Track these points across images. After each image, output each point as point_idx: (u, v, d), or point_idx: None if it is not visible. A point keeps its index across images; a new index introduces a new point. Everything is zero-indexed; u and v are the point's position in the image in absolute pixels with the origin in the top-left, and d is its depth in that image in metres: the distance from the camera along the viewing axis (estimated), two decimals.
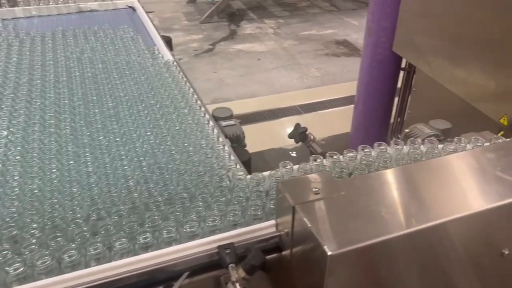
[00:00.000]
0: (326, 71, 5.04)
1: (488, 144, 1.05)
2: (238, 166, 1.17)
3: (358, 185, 0.92)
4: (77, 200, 1.07)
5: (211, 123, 1.37)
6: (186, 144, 1.22)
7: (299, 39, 6.02)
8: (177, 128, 1.31)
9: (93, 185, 1.13)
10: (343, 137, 3.69)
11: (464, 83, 2.20)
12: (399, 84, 3.15)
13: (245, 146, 1.84)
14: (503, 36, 1.91)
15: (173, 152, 1.20)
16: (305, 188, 0.82)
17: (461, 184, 0.91)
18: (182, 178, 1.07)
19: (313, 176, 0.89)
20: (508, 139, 0.98)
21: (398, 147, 1.12)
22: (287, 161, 1.23)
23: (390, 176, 0.95)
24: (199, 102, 1.51)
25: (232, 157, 1.20)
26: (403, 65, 3.04)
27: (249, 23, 6.67)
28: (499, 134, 1.40)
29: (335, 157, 1.18)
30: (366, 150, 1.13)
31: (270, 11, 7.27)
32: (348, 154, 1.20)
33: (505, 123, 1.97)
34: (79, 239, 0.95)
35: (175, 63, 1.76)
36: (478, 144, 1.07)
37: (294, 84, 4.77)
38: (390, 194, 0.90)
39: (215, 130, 1.32)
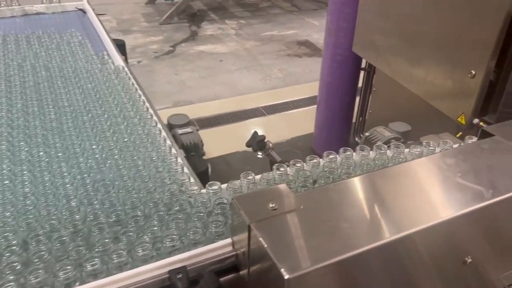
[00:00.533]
0: (289, 72, 5.02)
1: (454, 145, 1.02)
2: (192, 180, 1.09)
3: (318, 198, 0.86)
4: (10, 226, 0.96)
5: (163, 133, 1.28)
6: (135, 158, 1.13)
7: (261, 40, 5.97)
8: (126, 140, 1.21)
9: (31, 208, 1.02)
10: (307, 137, 3.67)
11: (422, 82, 2.21)
12: (360, 84, 3.16)
13: (203, 154, 1.76)
14: (458, 35, 1.92)
15: (120, 167, 1.11)
16: (262, 204, 0.75)
17: (423, 193, 0.86)
18: (130, 196, 0.98)
19: (270, 190, 0.83)
20: (469, 142, 0.95)
21: (363, 153, 1.08)
22: (249, 171, 1.16)
23: (351, 186, 0.90)
24: (151, 110, 1.42)
25: (186, 170, 1.12)
26: (363, 65, 3.05)
27: (210, 24, 6.57)
28: (457, 135, 1.39)
29: (298, 165, 1.13)
30: (331, 156, 1.08)
31: (231, 12, 7.19)
32: (312, 161, 1.15)
33: (463, 121, 1.98)
34: (18, 267, 0.86)
35: (125, 69, 1.65)
36: (447, 147, 1.04)
37: (257, 85, 4.72)
38: (351, 206, 0.85)
39: (168, 141, 1.23)
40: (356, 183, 0.91)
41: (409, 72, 2.30)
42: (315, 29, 6.34)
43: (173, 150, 1.17)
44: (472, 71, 1.87)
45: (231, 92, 4.53)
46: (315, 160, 1.09)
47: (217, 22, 6.65)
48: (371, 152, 1.21)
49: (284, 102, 4.32)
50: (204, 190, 0.96)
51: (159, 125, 1.30)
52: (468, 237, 0.90)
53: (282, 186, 0.82)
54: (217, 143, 3.65)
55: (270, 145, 1.85)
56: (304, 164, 1.16)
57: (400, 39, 2.31)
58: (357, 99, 3.20)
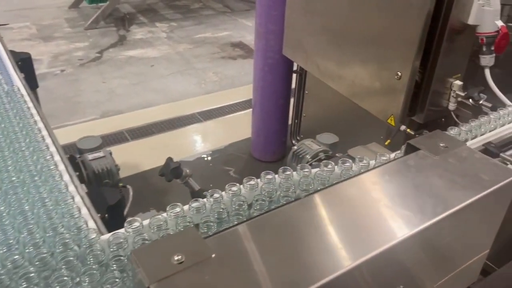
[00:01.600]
0: (224, 75, 4.92)
1: (383, 157, 0.97)
2: (91, 224, 0.90)
3: (233, 240, 0.74)
4: None
5: (60, 166, 1.08)
6: (23, 201, 0.95)
7: (194, 43, 5.82)
8: (14, 178, 1.03)
9: None
10: (246, 142, 3.60)
11: (351, 84, 2.20)
12: (293, 86, 3.14)
13: (119, 181, 1.60)
14: (383, 36, 1.92)
15: (4, 215, 0.92)
16: (165, 257, 0.65)
17: (345, 228, 0.77)
18: (11, 253, 0.80)
19: (176, 237, 0.72)
20: (394, 159, 0.90)
21: (287, 173, 0.99)
22: (177, 203, 1.02)
23: (270, 220, 0.79)
24: (48, 139, 1.19)
25: (85, 211, 0.94)
26: (295, 67, 3.02)
27: (140, 27, 6.31)
28: (386, 143, 1.37)
29: (234, 188, 1.02)
30: (268, 177, 0.98)
31: (162, 14, 6.96)
32: (248, 183, 1.04)
33: (393, 123, 2.00)
34: None
35: (22, 90, 1.41)
36: (383, 159, 0.98)
37: (192, 90, 4.57)
38: (270, 247, 0.73)
39: (65, 177, 1.04)
40: (276, 216, 0.80)
41: (338, 74, 2.29)
42: (249, 30, 6.29)
43: (71, 187, 1.00)
44: (398, 72, 1.88)
45: (164, 98, 4.36)
46: (252, 182, 0.99)
47: (147, 25, 6.41)
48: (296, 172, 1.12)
49: (221, 106, 4.22)
50: (106, 236, 0.81)
51: (57, 157, 1.11)
52: (400, 267, 0.84)
53: (190, 231, 0.72)
54: (150, 154, 3.47)
55: (187, 171, 1.67)
56: (241, 186, 1.05)
57: (328, 41, 2.29)
58: (292, 101, 3.18)
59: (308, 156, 1.11)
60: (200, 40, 5.91)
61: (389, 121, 2.01)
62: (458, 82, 2.00)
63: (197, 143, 3.67)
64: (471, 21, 1.83)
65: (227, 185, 0.94)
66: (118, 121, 3.87)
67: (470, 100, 1.79)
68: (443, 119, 2.17)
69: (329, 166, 0.90)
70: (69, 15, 6.71)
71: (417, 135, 1.68)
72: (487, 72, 1.90)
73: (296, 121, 3.16)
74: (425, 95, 1.99)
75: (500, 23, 1.78)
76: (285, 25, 2.63)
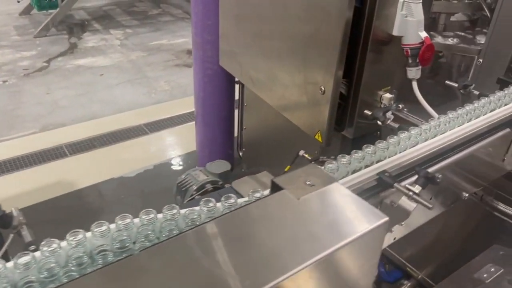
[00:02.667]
0: (177, 83, 4.77)
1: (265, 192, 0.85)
2: None
3: None
4: None
5: None
6: None
7: (148, 50, 5.65)
8: None
9: None
10: (193, 155, 3.46)
11: (282, 97, 2.10)
12: (237, 97, 3.02)
13: None
14: (305, 50, 1.82)
15: None
16: None
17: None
18: None
19: None
20: (257, 199, 0.78)
21: (168, 212, 0.86)
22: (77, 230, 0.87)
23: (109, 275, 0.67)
24: None
25: None
26: (237, 78, 2.91)
27: (93, 35, 6.09)
28: (285, 169, 1.27)
29: (79, 236, 0.87)
30: (124, 222, 0.84)
31: (118, 21, 6.75)
32: (123, 222, 0.91)
33: (320, 139, 1.90)
34: None
35: None
36: (256, 196, 0.86)
37: (141, 100, 4.41)
38: None
39: None
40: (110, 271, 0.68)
41: (269, 86, 2.18)
42: None
43: None
44: (322, 87, 1.78)
45: (111, 109, 4.17)
46: (103, 228, 0.86)
47: (101, 33, 6.19)
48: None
49: (170, 117, 4.07)
50: None
51: None
52: None
53: None
54: (90, 170, 3.29)
55: (20, 219, 1.39)
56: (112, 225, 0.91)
57: (258, 52, 2.19)
58: (237, 113, 3.06)
59: (194, 188, 1.00)
60: (155, 47, 5.74)
61: (316, 137, 1.91)
62: (388, 95, 1.92)
63: (141, 157, 3.50)
64: (395, 32, 1.75)
65: (68, 233, 0.80)
66: (58, 135, 3.67)
67: (377, 121, 1.71)
68: (378, 133, 2.09)
69: (174, 211, 0.78)
70: (19, 23, 6.44)
71: (313, 162, 1.58)
72: (415, 84, 1.83)
73: (241, 133, 3.04)
74: (353, 109, 1.90)
75: (423, 34, 1.70)
76: (219, 36, 2.52)
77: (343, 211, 0.73)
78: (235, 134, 3.18)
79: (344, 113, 1.94)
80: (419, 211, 1.26)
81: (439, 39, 2.22)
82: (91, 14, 6.96)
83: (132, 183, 3.18)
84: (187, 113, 4.10)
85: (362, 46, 1.76)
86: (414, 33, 1.71)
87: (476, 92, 1.52)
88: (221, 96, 2.92)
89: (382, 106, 1.95)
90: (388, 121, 1.67)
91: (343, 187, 0.79)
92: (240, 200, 0.85)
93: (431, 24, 2.42)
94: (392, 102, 1.95)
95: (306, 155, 1.69)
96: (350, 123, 1.93)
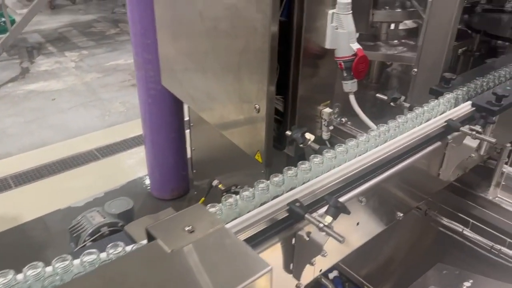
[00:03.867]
0: (132, 104, 4.61)
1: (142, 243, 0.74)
2: None
3: None
4: None
5: None
6: None
7: (104, 71, 5.49)
8: None
9: None
10: (145, 179, 3.32)
11: (221, 117, 2.00)
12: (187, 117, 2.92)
13: None
14: (238, 65, 1.74)
15: None
16: None
17: None
18: None
19: None
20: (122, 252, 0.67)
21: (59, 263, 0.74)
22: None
23: None
24: None
25: None
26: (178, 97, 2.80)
27: (47, 58, 5.89)
28: (200, 202, 1.17)
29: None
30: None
31: (73, 42, 6.57)
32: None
33: (259, 159, 1.81)
34: None
35: None
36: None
37: (94, 124, 4.24)
38: None
39: None
40: None
41: (209, 106, 2.09)
42: None
43: None
44: (256, 105, 1.70)
45: (61, 135, 3.99)
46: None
47: (55, 55, 6.00)
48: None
49: (123, 140, 3.92)
50: None
51: None
52: None
53: None
54: (36, 202, 3.11)
55: None
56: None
57: (196, 71, 2.09)
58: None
59: (87, 232, 0.88)
60: (111, 68, 5.58)
61: (256, 157, 1.82)
62: (328, 110, 1.85)
63: (92, 184, 3.33)
64: (327, 45, 1.68)
65: None
66: (2, 166, 3.46)
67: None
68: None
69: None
70: None
71: (224, 194, 1.47)
72: (352, 98, 1.76)
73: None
74: (291, 126, 1.82)
75: (356, 46, 1.64)
76: (159, 54, 2.41)
77: (220, 263, 0.63)
78: (189, 155, 3.06)
79: (283, 130, 1.85)
80: (361, 229, 1.17)
81: (380, 49, 2.18)
82: (46, 37, 6.76)
83: (79, 214, 3.00)
84: (141, 135, 3.95)
85: (294, 60, 1.68)
86: (346, 45, 1.65)
87: (407, 105, 1.46)
88: (168, 117, 2.81)
89: (322, 121, 1.88)
90: (309, 142, 1.58)
91: (228, 231, 0.69)
92: (128, 248, 0.74)
93: (374, 34, 2.38)
94: (332, 117, 1.88)
95: (220, 185, 1.59)
96: (291, 141, 1.85)
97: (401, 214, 1.26)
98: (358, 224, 1.11)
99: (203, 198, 1.46)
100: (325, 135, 1.91)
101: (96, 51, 6.22)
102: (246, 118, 1.80)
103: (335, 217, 0.87)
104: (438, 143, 1.26)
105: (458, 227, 1.50)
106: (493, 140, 1.21)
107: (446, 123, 1.26)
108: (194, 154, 2.69)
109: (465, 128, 1.24)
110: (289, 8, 1.59)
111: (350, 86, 1.72)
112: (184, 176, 3.13)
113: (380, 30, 2.35)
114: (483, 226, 1.49)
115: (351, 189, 1.03)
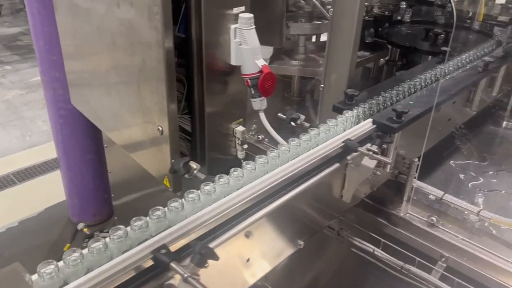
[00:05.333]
0: None
1: None
2: None
3: None
4: None
5: None
6: None
7: (28, 87, 5.14)
8: None
9: None
10: (62, 206, 3.07)
11: (128, 138, 1.86)
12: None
13: None
14: (138, 84, 1.61)
15: None
16: None
17: None
18: None
19: None
20: None
21: None
22: None
23: None
24: None
25: None
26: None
27: None
28: (64, 249, 1.05)
29: None
30: None
31: None
32: None
33: (168, 184, 1.68)
34: None
35: None
36: None
37: (13, 145, 3.92)
38: None
39: None
40: None
41: (116, 127, 1.94)
42: None
43: None
44: (159, 126, 1.58)
45: None
46: None
47: None
48: None
49: (44, 161, 3.64)
50: None
51: None
52: None
53: None
54: None
55: None
56: None
57: (101, 90, 1.94)
58: None
59: None
60: (35, 84, 5.23)
61: (164, 182, 1.69)
62: (240, 128, 1.77)
63: (5, 213, 3.04)
64: (233, 61, 1.60)
65: None
66: None
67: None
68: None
69: None
70: None
71: (88, 239, 1.36)
72: (262, 116, 1.68)
73: None
74: (202, 147, 1.71)
75: (261, 63, 1.56)
76: (66, 72, 2.23)
77: None
78: None
79: (193, 152, 1.74)
80: (252, 265, 1.08)
81: (294, 63, 2.14)
82: None
83: None
84: None
85: (197, 78, 1.58)
86: (251, 62, 1.57)
87: (307, 125, 1.40)
88: (82, 137, 2.61)
89: (236, 140, 1.79)
90: (195, 171, 1.49)
91: None
92: None
93: (292, 48, 2.34)
94: (246, 135, 1.79)
95: (85, 229, 1.47)
96: (202, 162, 1.74)
97: (302, 242, 1.18)
98: (248, 260, 1.01)
99: (68, 245, 1.32)
100: (240, 154, 1.82)
101: (21, 66, 5.83)
102: (151, 140, 1.67)
103: (200, 265, 0.76)
104: (337, 165, 1.20)
105: (369, 247, 1.45)
106: (389, 160, 1.16)
107: (344, 143, 1.20)
108: (111, 177, 2.51)
109: (363, 148, 1.18)
110: (186, 24, 1.49)
111: (258, 104, 1.64)
112: (107, 199, 2.93)
113: (298, 43, 2.31)
114: (394, 246, 1.44)
115: (237, 222, 0.93)
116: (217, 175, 1.04)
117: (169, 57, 1.41)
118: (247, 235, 0.98)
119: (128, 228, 0.81)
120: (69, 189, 2.83)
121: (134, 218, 0.81)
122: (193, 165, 1.43)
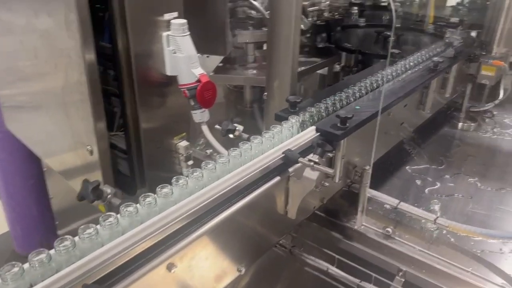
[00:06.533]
0: None
1: None
2: None
3: None
4: None
5: None
6: None
7: None
8: None
9: None
10: (5, 237, 2.83)
11: (62, 162, 1.70)
12: None
13: None
14: (65, 101, 1.46)
15: None
16: None
17: None
18: None
19: None
20: None
21: None
22: None
23: None
24: None
25: None
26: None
27: None
28: None
29: None
30: None
31: None
32: None
33: (102, 209, 1.53)
34: None
35: None
36: None
37: None
38: None
39: None
40: None
41: (50, 150, 1.78)
42: None
43: None
44: (88, 146, 1.43)
45: None
46: None
47: None
48: None
49: None
50: None
51: None
52: None
53: None
54: None
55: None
56: None
57: (32, 111, 1.78)
58: None
59: None
60: None
61: (100, 207, 1.54)
62: (183, 143, 1.64)
63: None
64: (168, 71, 1.47)
65: None
66: None
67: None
68: None
69: None
70: None
71: None
72: (205, 128, 1.56)
73: None
74: (140, 166, 1.57)
75: (198, 72, 1.45)
76: None
77: None
78: None
79: (132, 172, 1.60)
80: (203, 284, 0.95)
81: (238, 72, 2.04)
82: None
83: None
84: None
85: (129, 91, 1.45)
86: (187, 71, 1.45)
87: (245, 135, 1.29)
88: (21, 162, 2.40)
89: (180, 156, 1.66)
90: (109, 196, 1.35)
91: None
92: None
93: (241, 56, 2.25)
94: (190, 150, 1.66)
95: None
96: (141, 183, 1.60)
97: (243, 268, 1.05)
98: None
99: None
100: (186, 172, 1.68)
101: None
102: (83, 163, 1.52)
103: None
104: (278, 178, 1.09)
105: (323, 266, 1.34)
106: (331, 170, 1.06)
107: (284, 154, 1.09)
108: (54, 203, 2.32)
109: (304, 159, 1.08)
110: (111, 32, 1.36)
111: (199, 116, 1.52)
112: (52, 227, 2.72)
113: (247, 52, 2.22)
114: (349, 262, 1.34)
115: (158, 253, 0.80)
116: (143, 195, 0.92)
117: (91, 69, 1.28)
118: (169, 268, 0.85)
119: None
120: (11, 218, 2.60)
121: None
122: (107, 189, 1.28)
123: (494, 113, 2.25)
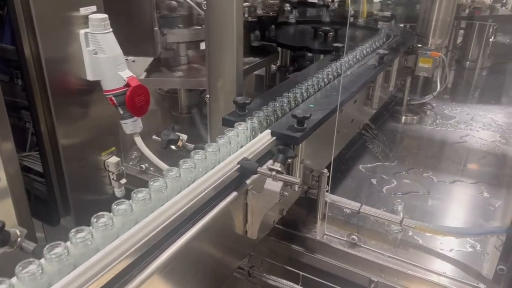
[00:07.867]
0: None
1: None
2: None
3: None
4: None
5: None
6: None
7: None
8: None
9: None
10: None
11: None
12: None
13: None
14: None
15: None
16: None
17: None
18: None
19: None
20: None
21: None
22: None
23: None
24: None
25: None
26: None
27: None
28: None
29: None
30: None
31: None
32: None
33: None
34: None
35: None
36: None
37: None
38: None
39: None
40: None
41: None
42: None
43: None
44: None
45: None
46: None
47: None
48: None
49: None
50: None
51: None
52: None
53: None
54: None
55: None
56: None
57: None
58: None
59: None
60: None
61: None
62: (113, 159, 1.41)
63: None
64: (89, 76, 1.24)
65: None
66: None
67: None
68: None
69: None
70: None
71: None
72: (138, 140, 1.35)
73: None
74: (62, 191, 1.32)
75: (126, 74, 1.23)
76: None
77: None
78: None
79: (52, 198, 1.34)
80: None
81: (174, 74, 1.84)
82: None
83: None
84: None
85: (43, 103, 1.20)
86: (112, 74, 1.23)
87: (191, 146, 1.12)
88: None
89: (110, 174, 1.42)
90: (18, 239, 1.10)
91: None
92: None
93: (172, 57, 2.05)
94: (122, 167, 1.44)
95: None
96: (65, 211, 1.35)
97: None
98: None
99: None
100: (118, 192, 1.46)
101: None
102: None
103: None
104: (234, 194, 0.92)
105: (287, 285, 1.19)
106: (298, 180, 0.91)
107: (239, 165, 0.92)
108: None
109: (263, 168, 0.92)
110: (13, 33, 1.10)
111: (131, 126, 1.30)
112: None
113: (179, 53, 2.02)
114: (315, 278, 1.20)
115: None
116: (73, 230, 0.69)
117: None
118: None
119: None
120: None
121: None
122: (17, 231, 1.02)
123: (433, 104, 2.26)
